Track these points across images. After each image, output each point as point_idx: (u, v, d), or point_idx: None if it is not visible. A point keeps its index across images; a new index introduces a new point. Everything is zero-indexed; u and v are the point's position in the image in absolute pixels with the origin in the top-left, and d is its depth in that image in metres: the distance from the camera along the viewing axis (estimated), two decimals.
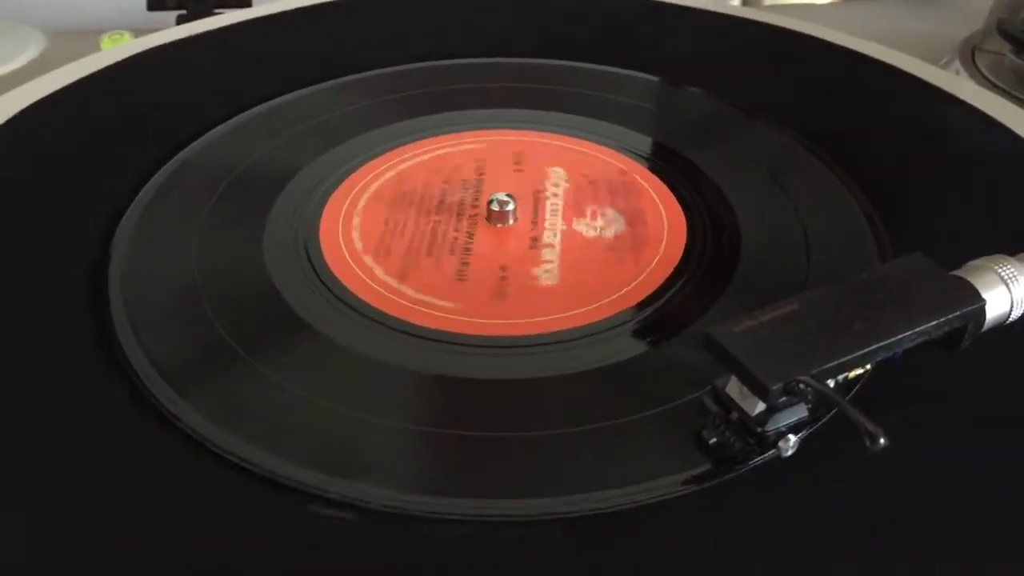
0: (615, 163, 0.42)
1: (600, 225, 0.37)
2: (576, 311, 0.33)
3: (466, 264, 0.35)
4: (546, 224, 0.38)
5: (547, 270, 0.35)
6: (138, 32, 0.55)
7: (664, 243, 0.37)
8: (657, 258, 0.36)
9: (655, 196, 0.39)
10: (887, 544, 0.25)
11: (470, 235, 0.37)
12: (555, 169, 0.41)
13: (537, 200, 0.39)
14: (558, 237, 0.37)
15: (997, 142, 0.42)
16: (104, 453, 0.27)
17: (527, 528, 0.25)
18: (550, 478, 0.27)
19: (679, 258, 0.36)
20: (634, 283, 0.34)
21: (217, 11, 0.59)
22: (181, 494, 0.26)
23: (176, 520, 0.25)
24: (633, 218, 0.38)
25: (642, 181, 0.40)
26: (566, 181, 0.40)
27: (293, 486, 0.26)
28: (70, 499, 0.26)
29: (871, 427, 0.23)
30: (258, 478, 0.26)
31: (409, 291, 0.34)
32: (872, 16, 0.70)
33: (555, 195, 0.39)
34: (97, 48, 0.55)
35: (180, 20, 0.60)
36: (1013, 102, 0.46)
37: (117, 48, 0.48)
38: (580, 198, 0.39)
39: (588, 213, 0.38)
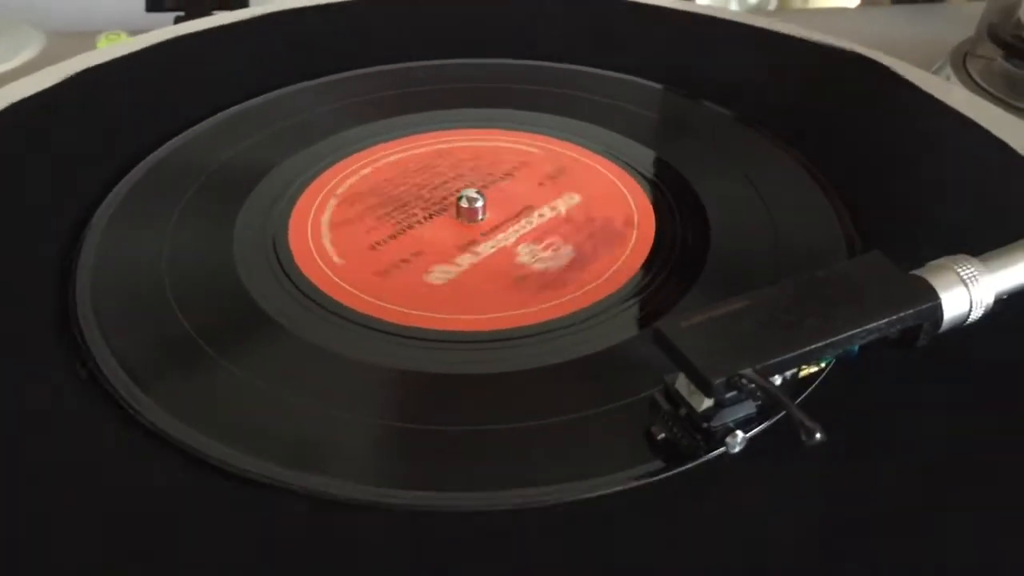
0: (626, 207, 0.39)
1: (546, 257, 0.36)
2: (542, 306, 0.33)
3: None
4: (499, 236, 0.37)
5: (444, 271, 0.35)
6: (136, 33, 0.55)
7: (632, 240, 0.37)
8: (625, 255, 0.36)
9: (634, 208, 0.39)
10: (840, 543, 0.25)
11: (422, 221, 0.37)
12: (570, 195, 0.40)
13: (522, 214, 0.39)
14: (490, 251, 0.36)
15: (980, 147, 0.42)
16: (65, 449, 0.27)
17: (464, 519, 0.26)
18: (494, 472, 0.27)
19: (646, 255, 0.36)
20: (608, 274, 0.35)
21: (214, 12, 0.59)
22: (144, 490, 0.26)
23: (138, 516, 0.25)
24: (582, 260, 0.36)
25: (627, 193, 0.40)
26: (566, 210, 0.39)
27: (257, 480, 0.26)
28: (26, 495, 0.26)
29: (808, 422, 0.23)
30: (220, 472, 0.27)
31: (376, 287, 0.34)
32: (868, 21, 0.69)
33: (541, 216, 0.38)
34: (94, 48, 0.55)
35: (178, 21, 0.61)
36: (1001, 107, 0.45)
37: (103, 49, 0.49)
38: (555, 228, 0.38)
39: (544, 243, 0.37)
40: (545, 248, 0.36)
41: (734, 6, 0.96)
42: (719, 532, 0.25)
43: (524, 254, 0.36)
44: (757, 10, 0.96)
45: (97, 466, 0.27)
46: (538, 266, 0.35)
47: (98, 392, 0.29)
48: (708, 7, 0.55)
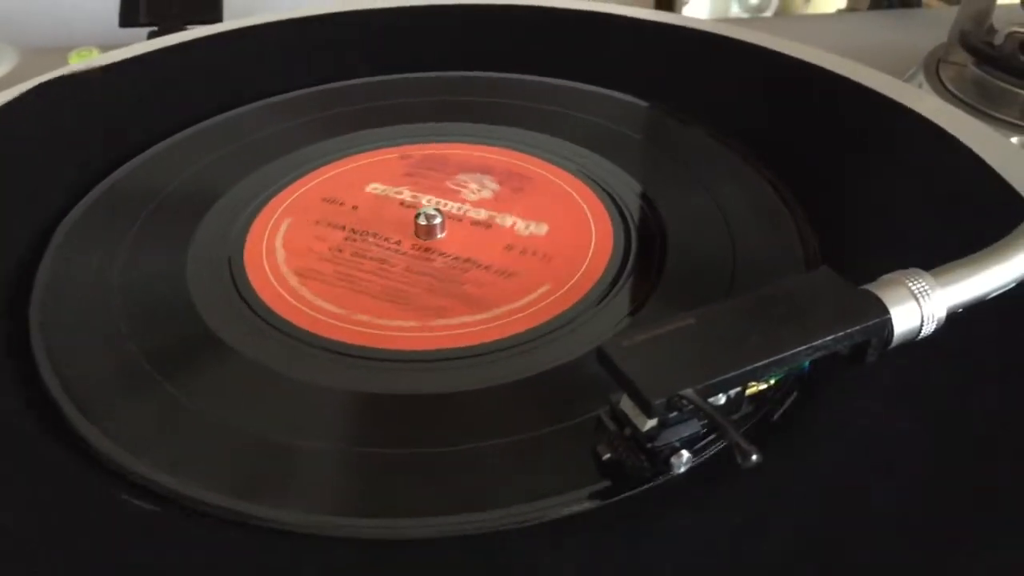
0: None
1: (477, 188, 0.37)
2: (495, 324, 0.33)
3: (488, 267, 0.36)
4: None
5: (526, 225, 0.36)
6: (110, 48, 0.55)
7: (590, 254, 0.36)
8: (582, 269, 0.35)
9: (586, 209, 0.39)
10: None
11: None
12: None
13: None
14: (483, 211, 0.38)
15: (950, 157, 0.41)
16: (10, 476, 0.27)
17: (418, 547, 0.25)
18: (443, 497, 0.27)
19: (600, 273, 0.35)
20: (562, 291, 0.34)
21: (188, 26, 0.59)
22: (91, 522, 0.26)
23: (85, 547, 0.25)
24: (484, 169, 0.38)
25: (574, 195, 0.40)
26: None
27: (206, 511, 0.26)
28: None
29: (744, 444, 0.23)
30: (171, 503, 0.26)
31: (334, 308, 0.34)
32: (844, 28, 0.69)
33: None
34: (66, 63, 0.55)
35: (151, 36, 0.61)
36: (974, 114, 0.45)
37: (72, 66, 0.48)
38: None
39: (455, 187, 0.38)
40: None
41: (735, 7, 0.96)
42: (669, 555, 0.25)
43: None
44: (758, 11, 0.96)
45: (41, 494, 0.27)
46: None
47: (46, 420, 0.29)
48: (676, 16, 0.55)
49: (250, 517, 0.26)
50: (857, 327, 0.27)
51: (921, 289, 0.28)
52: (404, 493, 0.27)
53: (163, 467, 0.27)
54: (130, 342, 0.32)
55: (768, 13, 0.98)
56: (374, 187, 0.41)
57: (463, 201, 0.40)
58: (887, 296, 0.28)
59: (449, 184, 0.41)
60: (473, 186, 0.41)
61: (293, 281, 0.35)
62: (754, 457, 0.23)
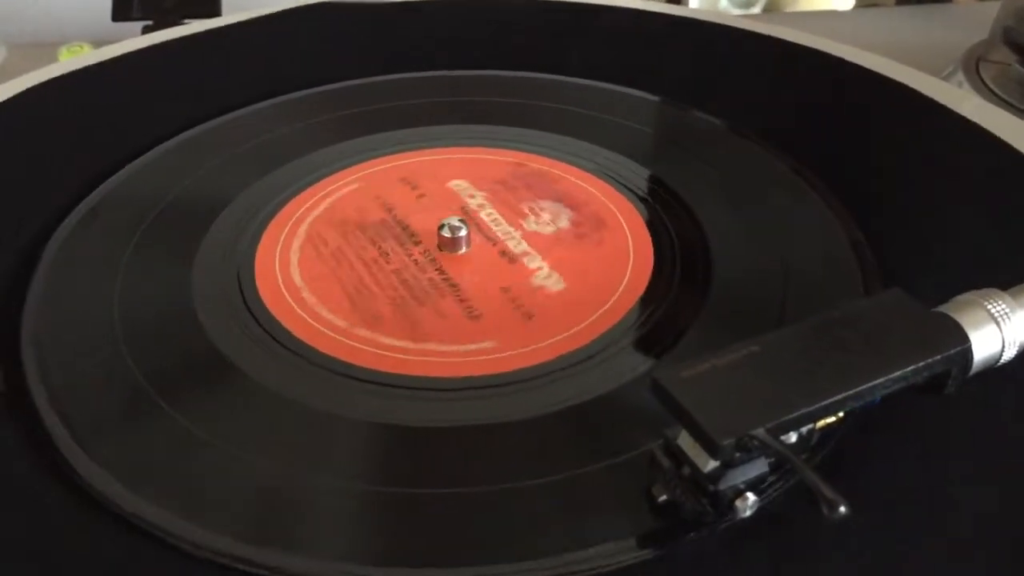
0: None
1: (549, 220, 0.35)
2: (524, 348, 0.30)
3: (464, 300, 0.32)
4: (501, 236, 0.35)
5: (547, 275, 0.33)
6: (102, 43, 0.53)
7: (630, 262, 0.34)
8: (621, 288, 0.33)
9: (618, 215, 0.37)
10: None
11: (440, 269, 0.34)
12: (457, 182, 0.39)
13: (471, 217, 0.36)
14: (524, 244, 0.35)
15: (998, 161, 0.39)
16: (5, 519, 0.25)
17: None
18: (474, 544, 0.24)
19: (643, 289, 0.33)
20: (600, 312, 0.32)
21: (185, 21, 0.57)
22: (89, 566, 0.24)
23: None
24: (574, 204, 0.37)
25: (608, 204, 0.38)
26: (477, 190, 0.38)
27: (213, 558, 0.23)
28: None
29: (830, 493, 0.20)
30: (172, 547, 0.24)
31: (363, 332, 0.31)
32: (873, 24, 0.67)
33: (482, 206, 0.37)
34: (56, 60, 0.53)
35: (146, 30, 0.58)
36: (1017, 114, 0.43)
37: (62, 63, 0.46)
38: (507, 200, 0.37)
39: (528, 211, 0.36)
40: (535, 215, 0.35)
41: (724, 1, 0.93)
42: None
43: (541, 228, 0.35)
44: (747, 5, 0.94)
45: (35, 535, 0.24)
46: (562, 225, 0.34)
47: (39, 453, 0.26)
48: (698, 11, 0.52)
49: (260, 566, 0.23)
50: (938, 356, 0.24)
51: (1001, 311, 0.26)
52: (432, 539, 0.24)
53: (166, 505, 0.25)
54: (131, 366, 0.29)
55: (756, 8, 0.95)
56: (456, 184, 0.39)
57: (519, 227, 0.36)
58: (964, 319, 0.25)
59: (525, 206, 0.38)
60: (546, 216, 0.37)
61: (310, 299, 0.32)
62: (842, 508, 0.20)
